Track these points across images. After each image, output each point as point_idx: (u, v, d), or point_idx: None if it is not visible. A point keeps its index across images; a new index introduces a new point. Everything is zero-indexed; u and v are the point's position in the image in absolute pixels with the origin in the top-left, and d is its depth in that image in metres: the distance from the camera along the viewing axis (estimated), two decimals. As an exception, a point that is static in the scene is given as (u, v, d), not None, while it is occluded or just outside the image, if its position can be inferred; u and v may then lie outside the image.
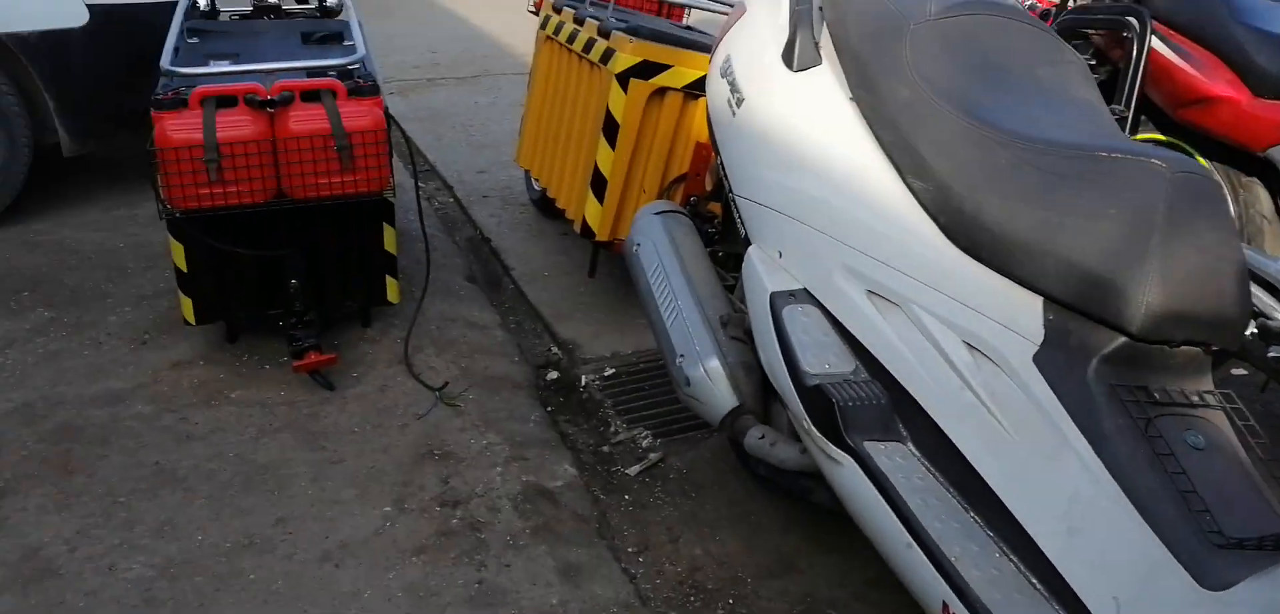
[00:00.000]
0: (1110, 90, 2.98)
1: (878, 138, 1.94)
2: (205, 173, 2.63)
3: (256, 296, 2.96)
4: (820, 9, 2.21)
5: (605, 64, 3.09)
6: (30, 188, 4.03)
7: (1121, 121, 2.90)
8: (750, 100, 2.26)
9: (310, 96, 2.75)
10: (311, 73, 2.87)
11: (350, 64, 2.92)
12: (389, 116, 2.87)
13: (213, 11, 3.75)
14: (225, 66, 2.93)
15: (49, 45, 3.88)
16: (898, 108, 1.90)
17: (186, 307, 2.90)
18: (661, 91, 3.07)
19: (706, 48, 3.10)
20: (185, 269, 2.84)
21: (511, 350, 3.22)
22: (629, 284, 3.33)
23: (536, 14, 4.41)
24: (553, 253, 3.94)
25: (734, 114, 2.31)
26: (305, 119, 2.70)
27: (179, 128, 2.62)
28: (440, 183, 4.85)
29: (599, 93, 3.16)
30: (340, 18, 3.77)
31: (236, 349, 3.04)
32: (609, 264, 3.60)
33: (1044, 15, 3.50)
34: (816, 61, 2.15)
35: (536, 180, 3.80)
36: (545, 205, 4.04)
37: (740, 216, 2.29)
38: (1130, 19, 2.92)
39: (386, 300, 3.09)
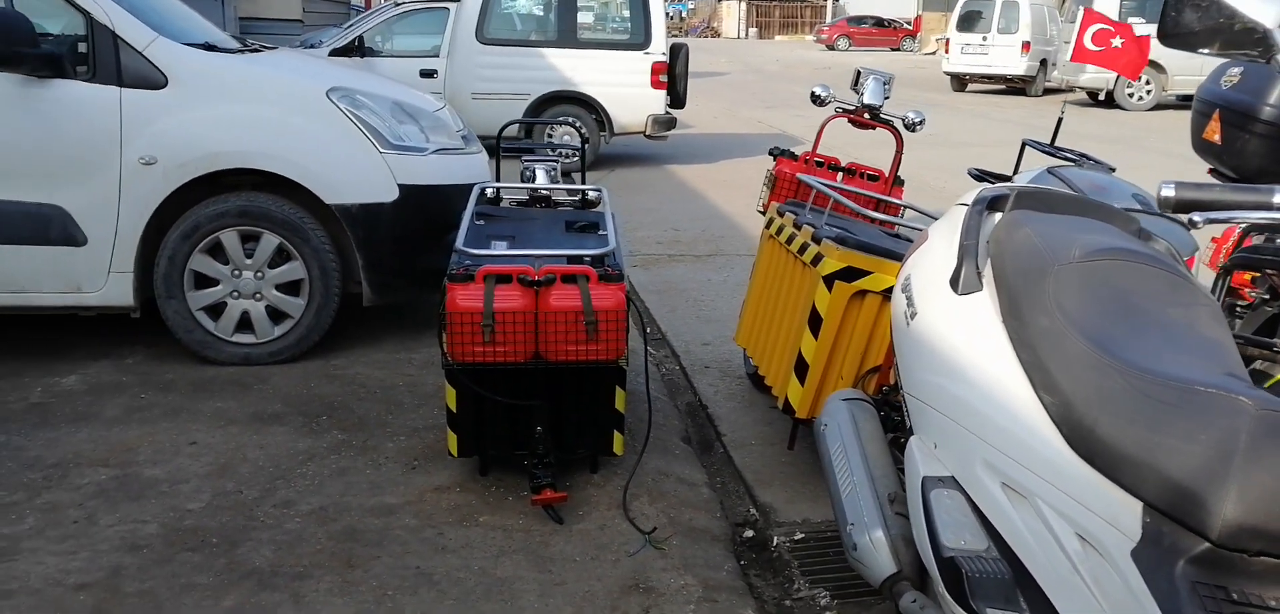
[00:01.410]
0: (1275, 327, 3.17)
1: (1019, 357, 2.30)
2: (481, 335, 3.27)
3: (507, 438, 3.54)
4: (987, 243, 2.61)
5: (815, 266, 3.55)
6: (333, 328, 4.86)
7: None
8: (922, 314, 2.66)
9: (568, 278, 3.36)
10: (571, 259, 3.50)
11: (602, 253, 3.53)
12: (629, 298, 3.43)
13: (497, 198, 4.48)
14: (504, 249, 3.60)
15: (366, 215, 4.74)
16: (1037, 333, 2.27)
17: (452, 441, 3.52)
18: (862, 293, 3.50)
19: (903, 257, 3.52)
20: (454, 410, 3.47)
21: (714, 507, 3.66)
22: (824, 459, 3.72)
23: (763, 214, 4.98)
24: (760, 424, 4.39)
25: (908, 324, 2.72)
26: (563, 298, 3.32)
27: (466, 298, 3.28)
28: (669, 351, 5.41)
29: (808, 290, 3.62)
30: (598, 209, 4.42)
31: (486, 480, 3.63)
32: (807, 439, 4.00)
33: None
34: (978, 288, 2.53)
35: (750, 358, 4.28)
36: (758, 381, 4.50)
37: (907, 411, 2.68)
38: (1295, 261, 3.13)
39: (612, 452, 3.62)
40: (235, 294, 4.73)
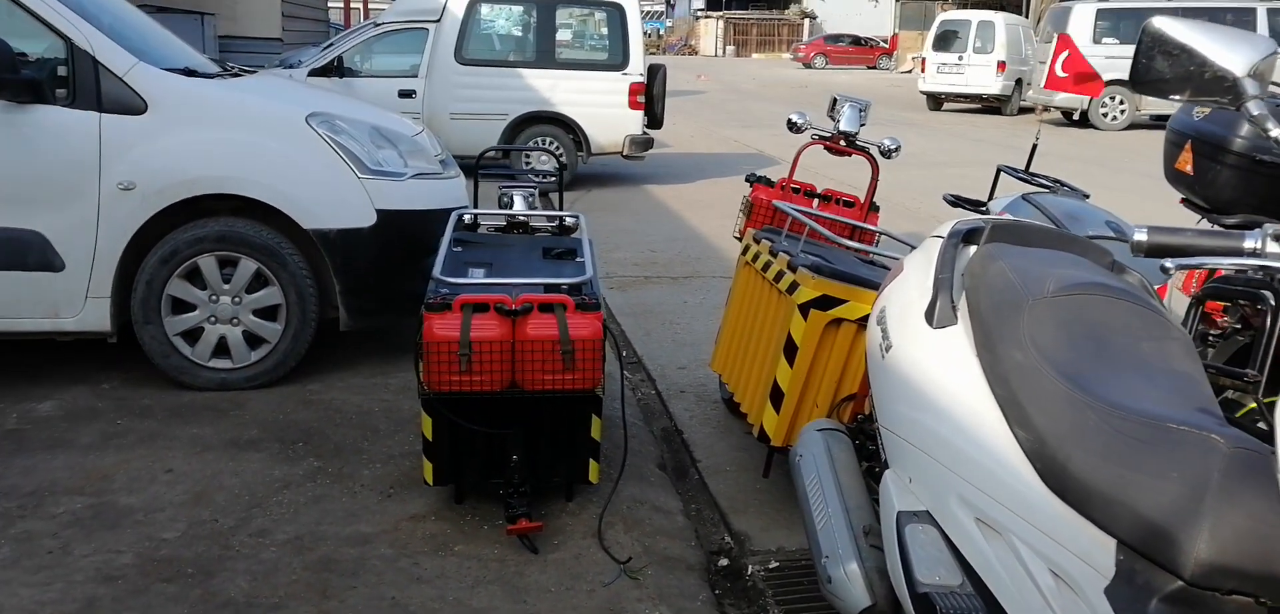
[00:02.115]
0: (1247, 356, 3.23)
1: (994, 392, 2.34)
2: (458, 364, 3.28)
3: (483, 466, 3.56)
4: (961, 277, 2.65)
5: (791, 294, 3.59)
6: (310, 353, 4.86)
7: (1254, 384, 3.14)
8: (897, 346, 2.70)
9: (545, 307, 3.38)
10: (548, 288, 3.52)
11: (579, 282, 3.55)
12: (606, 326, 3.46)
13: (475, 225, 4.49)
14: (481, 276, 3.62)
15: (344, 240, 4.75)
16: (1011, 368, 2.30)
17: (428, 469, 3.53)
18: (837, 322, 3.54)
19: (879, 286, 3.57)
20: (430, 438, 3.48)
21: (689, 536, 3.69)
22: (799, 487, 3.75)
23: (740, 240, 5.01)
24: (735, 449, 4.42)
25: (883, 356, 2.75)
26: (540, 327, 3.35)
27: (443, 327, 3.30)
28: (645, 375, 5.43)
29: (783, 317, 3.66)
30: (576, 235, 4.44)
31: (462, 509, 3.64)
32: (782, 466, 4.02)
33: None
34: (952, 321, 2.57)
35: (726, 385, 4.31)
36: (733, 406, 4.53)
37: (882, 443, 2.71)
38: (1265, 292, 3.19)
39: (588, 480, 3.64)
40: (212, 319, 4.73)
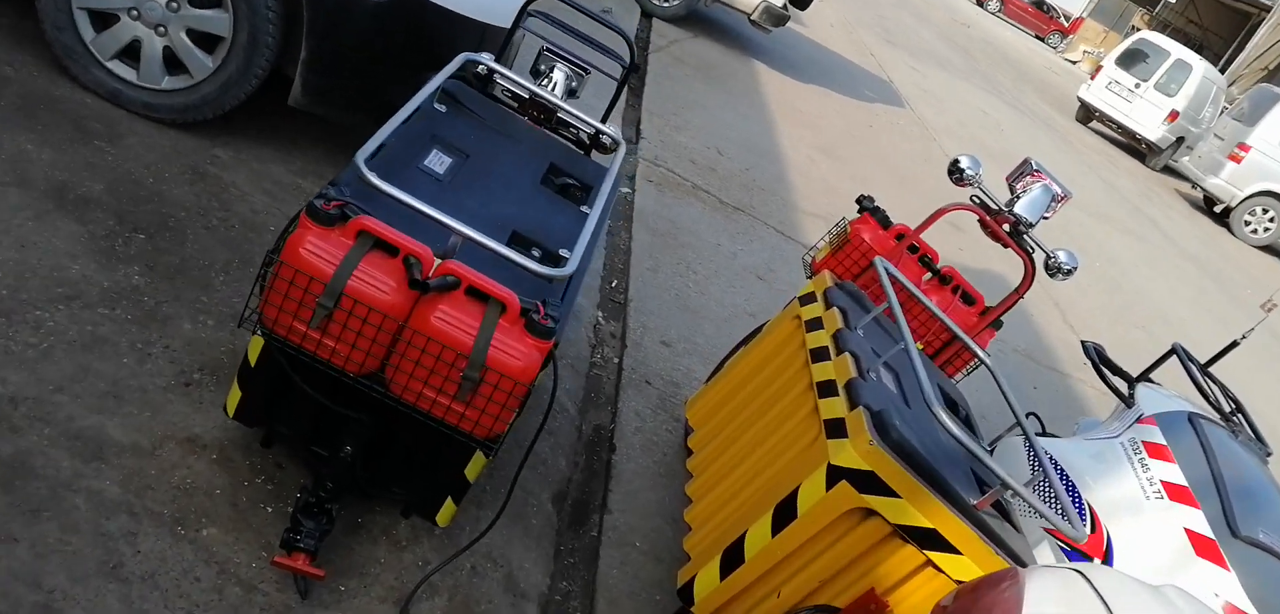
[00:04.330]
0: None
1: None
2: (311, 312, 2.24)
3: (306, 429, 2.56)
4: None
5: (828, 433, 2.51)
6: (242, 109, 3.81)
7: None
8: None
9: (475, 293, 2.29)
10: (501, 263, 2.31)
11: (552, 277, 2.34)
12: (551, 359, 2.37)
13: (485, 81, 3.31)
14: (428, 185, 2.44)
15: (338, 1, 3.63)
16: None
17: (234, 399, 2.52)
18: (868, 513, 2.47)
19: (964, 511, 2.46)
20: (253, 364, 2.46)
21: (533, 645, 2.72)
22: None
23: (810, 270, 3.85)
24: (664, 514, 3.41)
25: None
26: (451, 321, 2.24)
27: (315, 251, 2.21)
28: (619, 330, 4.39)
29: (800, 453, 2.60)
30: (604, 165, 3.23)
31: (257, 462, 2.65)
32: None
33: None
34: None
35: (690, 457, 3.21)
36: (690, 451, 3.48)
37: None
38: None
39: (433, 519, 2.63)
40: (133, 13, 3.66)
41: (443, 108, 3.01)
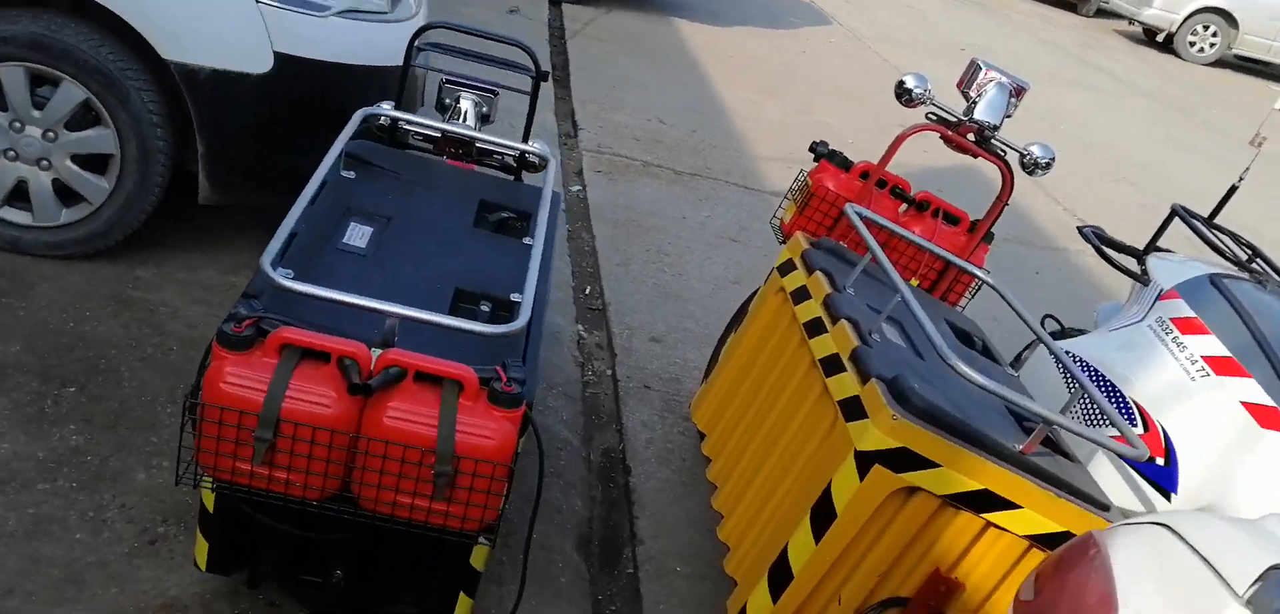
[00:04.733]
0: None
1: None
2: (251, 448, 1.93)
3: (289, 559, 2.26)
4: None
5: (846, 417, 2.24)
6: (152, 222, 3.50)
7: None
8: None
9: (425, 377, 1.98)
10: (446, 339, 2.04)
11: (507, 333, 2.05)
12: (529, 421, 2.08)
13: (391, 130, 3.01)
14: (341, 293, 2.02)
15: (220, 86, 3.32)
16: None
17: (202, 551, 2.22)
18: (912, 490, 2.19)
19: (1012, 460, 2.19)
20: (211, 510, 2.17)
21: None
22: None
23: (780, 234, 3.56)
24: (698, 526, 3.13)
25: None
26: (406, 416, 1.94)
27: (238, 381, 1.91)
28: (605, 340, 4.10)
29: (821, 443, 2.33)
30: (535, 187, 2.93)
31: (248, 608, 2.36)
32: None
33: None
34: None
35: (709, 465, 2.90)
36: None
37: None
38: None
39: (449, 615, 2.34)
40: (10, 154, 3.34)
41: (351, 174, 2.71)
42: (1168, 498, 2.78)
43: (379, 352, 1.97)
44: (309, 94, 3.50)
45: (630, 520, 3.11)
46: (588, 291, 4.45)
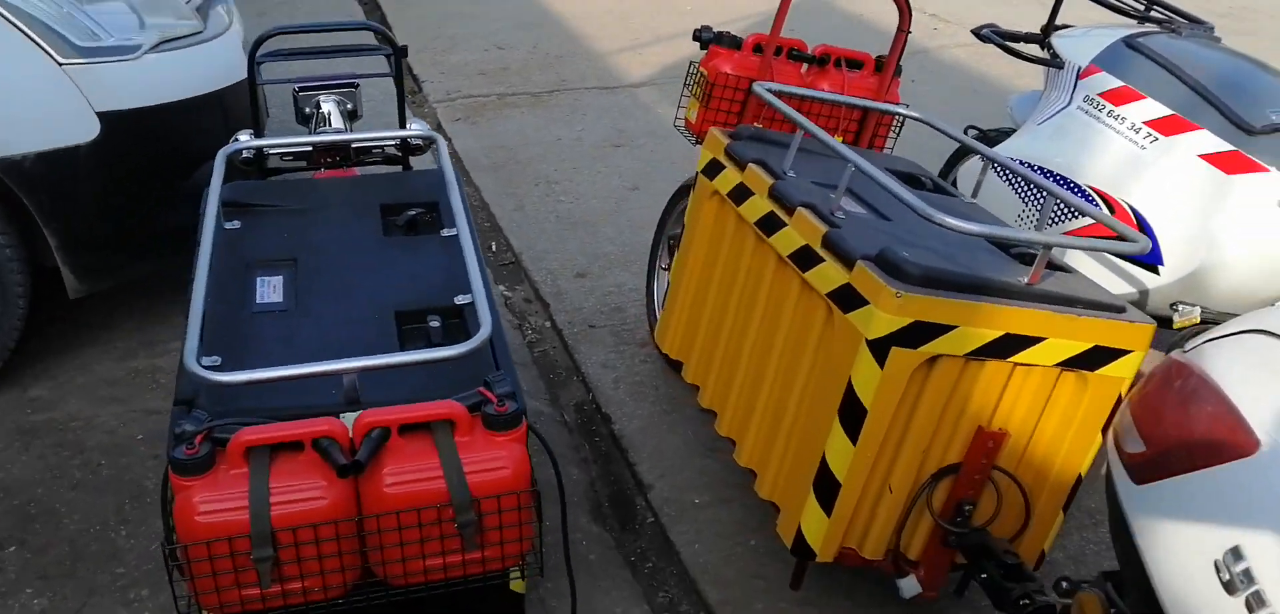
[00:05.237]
0: None
1: None
2: (253, 572, 1.70)
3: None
4: None
5: (844, 307, 2.11)
6: (28, 334, 3.13)
7: None
8: None
9: (412, 428, 1.77)
10: (416, 378, 1.87)
11: (474, 348, 1.82)
12: (534, 431, 1.90)
13: (260, 162, 2.73)
14: (271, 368, 1.73)
15: (51, 170, 2.96)
16: None
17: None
18: (934, 358, 2.09)
19: (1024, 295, 2.10)
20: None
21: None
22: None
23: (691, 135, 3.38)
24: (698, 448, 3.01)
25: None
26: (407, 477, 1.73)
27: (212, 507, 1.67)
28: (531, 292, 3.90)
29: (822, 343, 2.20)
30: (430, 171, 2.71)
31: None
32: (815, 575, 2.60)
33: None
34: None
35: (699, 392, 2.74)
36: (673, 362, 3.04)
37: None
38: None
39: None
40: None
41: (235, 223, 2.41)
42: (1156, 272, 2.77)
43: (351, 416, 1.75)
44: (148, 145, 3.19)
45: (630, 469, 2.97)
46: (494, 248, 4.23)
